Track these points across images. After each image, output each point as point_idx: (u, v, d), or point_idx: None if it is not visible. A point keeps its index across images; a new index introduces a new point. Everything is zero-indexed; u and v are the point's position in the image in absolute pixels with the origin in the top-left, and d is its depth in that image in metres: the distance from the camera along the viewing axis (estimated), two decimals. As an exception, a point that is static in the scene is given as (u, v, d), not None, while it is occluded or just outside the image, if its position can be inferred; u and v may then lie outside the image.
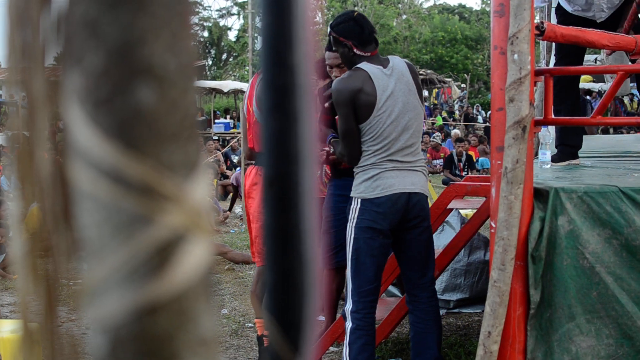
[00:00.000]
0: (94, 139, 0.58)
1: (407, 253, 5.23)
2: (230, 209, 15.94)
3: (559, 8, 6.58)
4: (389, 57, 5.20)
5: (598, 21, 6.25)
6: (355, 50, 5.10)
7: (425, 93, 38.75)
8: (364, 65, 5.03)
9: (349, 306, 5.14)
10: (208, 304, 0.63)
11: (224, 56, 57.71)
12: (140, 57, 0.59)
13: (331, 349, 6.42)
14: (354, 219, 5.03)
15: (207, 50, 55.55)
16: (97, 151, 0.58)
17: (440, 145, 25.11)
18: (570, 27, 4.73)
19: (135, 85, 0.59)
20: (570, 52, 6.34)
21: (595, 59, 12.67)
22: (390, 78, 5.02)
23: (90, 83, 0.59)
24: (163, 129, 0.59)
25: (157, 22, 0.59)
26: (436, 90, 39.77)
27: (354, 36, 5.10)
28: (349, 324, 5.11)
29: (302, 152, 0.75)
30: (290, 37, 0.73)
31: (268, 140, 0.75)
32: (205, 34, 55.06)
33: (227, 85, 34.03)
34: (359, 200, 5.01)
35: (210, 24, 55.87)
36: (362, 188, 5.00)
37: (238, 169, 17.17)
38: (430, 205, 5.43)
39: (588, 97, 23.81)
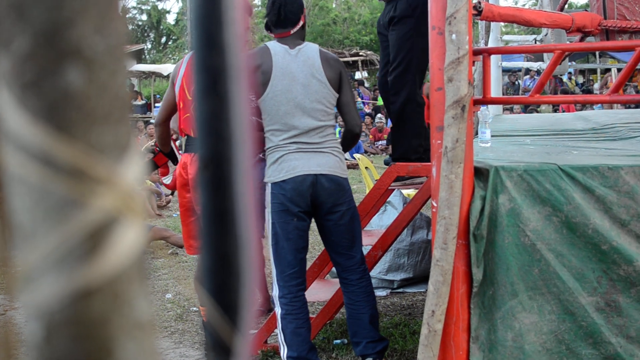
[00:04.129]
0: (23, 122, 0.57)
1: (331, 238, 5.28)
2: (172, 193, 15.86)
3: None
4: (306, 43, 5.31)
5: None
6: (268, 30, 5.26)
7: (365, 74, 38.77)
8: (270, 43, 5.20)
9: (275, 292, 5.18)
10: (143, 286, 0.63)
11: (163, 39, 57.20)
12: (68, 39, 0.58)
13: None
14: (268, 204, 5.07)
15: (146, 34, 55.11)
16: (25, 134, 0.57)
17: (385, 126, 25.19)
18: (508, 6, 4.76)
19: (63, 68, 0.58)
20: None
21: (535, 39, 12.75)
22: (293, 59, 5.11)
23: (17, 66, 0.58)
24: (93, 111, 0.59)
25: (84, 4, 0.59)
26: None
27: (269, 16, 5.28)
28: (278, 310, 5.16)
29: (236, 133, 0.75)
30: (220, 18, 0.72)
31: (202, 122, 0.75)
32: (144, 17, 54.60)
33: (166, 68, 33.77)
34: (270, 185, 5.05)
35: (148, 7, 55.34)
36: (270, 172, 5.07)
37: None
38: (372, 185, 5.44)
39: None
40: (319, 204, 5.10)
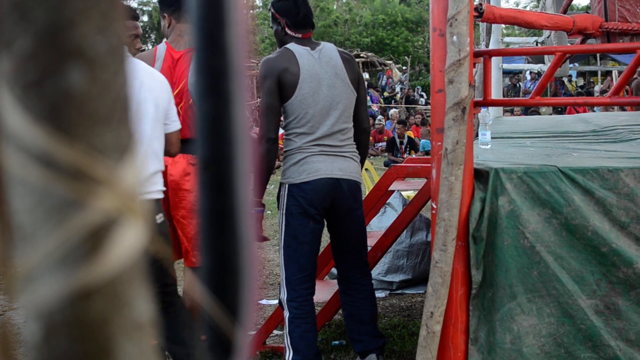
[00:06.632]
0: (24, 123, 0.58)
1: (343, 240, 5.26)
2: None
3: None
4: (322, 42, 5.26)
5: None
6: (287, 29, 5.16)
7: (366, 75, 38.83)
8: (291, 45, 5.08)
9: (283, 295, 5.11)
10: (143, 288, 0.63)
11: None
12: (70, 39, 0.58)
13: (275, 332, 6.42)
14: (283, 205, 5.01)
15: (147, 35, 55.06)
16: (27, 135, 0.57)
17: (385, 128, 25.17)
18: (509, 8, 4.77)
19: (65, 68, 0.58)
20: None
21: (536, 41, 12.76)
22: (317, 61, 5.07)
23: (19, 67, 0.58)
24: (94, 112, 0.59)
25: (86, 4, 0.59)
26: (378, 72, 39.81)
27: (289, 16, 5.15)
28: (286, 314, 5.09)
29: (237, 134, 0.75)
30: (222, 19, 0.73)
31: (202, 123, 0.75)
32: (145, 18, 54.56)
33: (167, 69, 33.67)
34: (287, 185, 5.00)
35: (150, 9, 55.32)
36: (289, 173, 5.00)
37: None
38: (372, 187, 5.44)
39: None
40: (336, 207, 5.09)
